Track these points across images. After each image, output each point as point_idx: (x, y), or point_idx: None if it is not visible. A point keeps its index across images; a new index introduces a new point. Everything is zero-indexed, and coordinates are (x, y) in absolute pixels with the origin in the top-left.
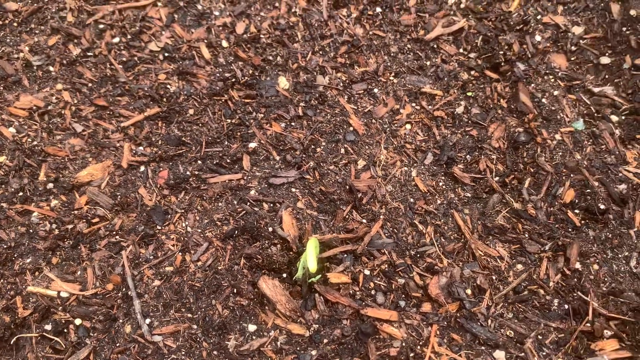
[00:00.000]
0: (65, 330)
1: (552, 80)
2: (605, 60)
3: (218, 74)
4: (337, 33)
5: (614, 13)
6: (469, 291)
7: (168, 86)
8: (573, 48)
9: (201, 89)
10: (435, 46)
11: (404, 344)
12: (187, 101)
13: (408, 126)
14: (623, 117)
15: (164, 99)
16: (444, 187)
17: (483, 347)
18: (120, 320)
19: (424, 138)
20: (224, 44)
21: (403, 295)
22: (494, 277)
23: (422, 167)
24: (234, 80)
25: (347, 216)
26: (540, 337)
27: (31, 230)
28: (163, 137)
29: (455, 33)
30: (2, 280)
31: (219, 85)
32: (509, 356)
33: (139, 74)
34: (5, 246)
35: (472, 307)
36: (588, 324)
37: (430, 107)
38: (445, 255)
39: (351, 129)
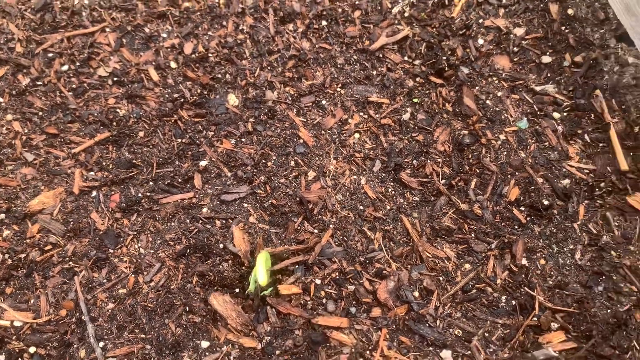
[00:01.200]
0: (20, 359)
1: (496, 81)
2: (546, 59)
3: (167, 95)
4: (284, 48)
5: (553, 13)
6: (416, 293)
7: (118, 110)
8: (515, 49)
9: (150, 110)
10: (380, 55)
11: (353, 350)
12: (137, 124)
13: (357, 135)
14: (565, 114)
15: (114, 123)
16: (393, 192)
17: (431, 348)
18: (75, 346)
19: (372, 146)
20: (173, 65)
21: (354, 302)
22: (441, 278)
23: (371, 174)
24: (182, 100)
25: (298, 227)
26: (487, 334)
27: None
28: (114, 161)
29: (399, 42)
30: None
31: (168, 106)
32: (455, 355)
33: (88, 100)
34: None
35: (420, 309)
36: (535, 318)
37: (377, 115)
38: (394, 259)
39: (301, 141)
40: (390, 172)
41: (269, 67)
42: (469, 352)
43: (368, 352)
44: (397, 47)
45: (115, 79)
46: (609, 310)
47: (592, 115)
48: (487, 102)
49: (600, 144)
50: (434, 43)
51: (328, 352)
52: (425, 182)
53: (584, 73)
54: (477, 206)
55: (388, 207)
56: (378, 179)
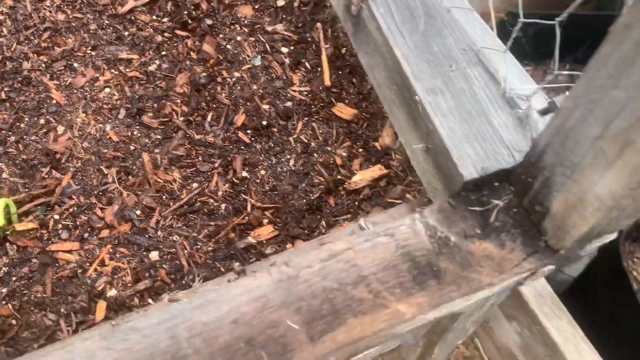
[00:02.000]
0: None
1: (238, 28)
2: (280, 2)
3: None
4: (40, 22)
5: None
6: (138, 212)
7: None
8: None
9: None
10: (132, 18)
11: (75, 265)
12: None
13: (107, 90)
14: (292, 48)
15: None
16: (138, 135)
17: (144, 253)
18: None
19: (119, 97)
20: None
21: (88, 229)
22: (164, 197)
23: (117, 121)
24: None
25: (46, 176)
26: (196, 234)
27: None
28: None
29: (149, 4)
30: None
31: None
32: (162, 254)
33: None
34: None
35: (140, 224)
36: (246, 217)
37: (127, 70)
38: (126, 188)
39: (54, 102)
40: (134, 117)
41: (25, 41)
42: (174, 249)
43: (89, 264)
44: (147, 8)
45: None
46: (304, 200)
47: (314, 46)
48: (228, 46)
49: (318, 69)
50: (180, 1)
51: (55, 270)
52: (166, 121)
53: (311, 10)
54: (211, 135)
55: (132, 148)
56: (124, 124)
